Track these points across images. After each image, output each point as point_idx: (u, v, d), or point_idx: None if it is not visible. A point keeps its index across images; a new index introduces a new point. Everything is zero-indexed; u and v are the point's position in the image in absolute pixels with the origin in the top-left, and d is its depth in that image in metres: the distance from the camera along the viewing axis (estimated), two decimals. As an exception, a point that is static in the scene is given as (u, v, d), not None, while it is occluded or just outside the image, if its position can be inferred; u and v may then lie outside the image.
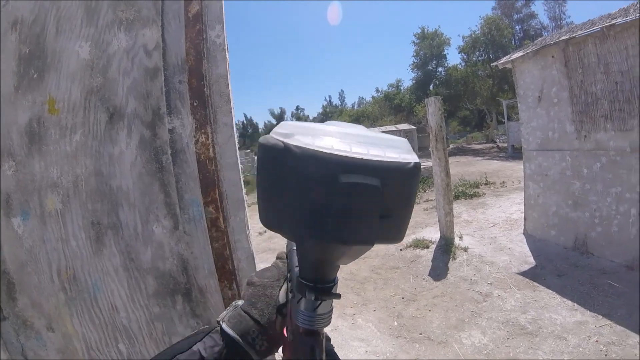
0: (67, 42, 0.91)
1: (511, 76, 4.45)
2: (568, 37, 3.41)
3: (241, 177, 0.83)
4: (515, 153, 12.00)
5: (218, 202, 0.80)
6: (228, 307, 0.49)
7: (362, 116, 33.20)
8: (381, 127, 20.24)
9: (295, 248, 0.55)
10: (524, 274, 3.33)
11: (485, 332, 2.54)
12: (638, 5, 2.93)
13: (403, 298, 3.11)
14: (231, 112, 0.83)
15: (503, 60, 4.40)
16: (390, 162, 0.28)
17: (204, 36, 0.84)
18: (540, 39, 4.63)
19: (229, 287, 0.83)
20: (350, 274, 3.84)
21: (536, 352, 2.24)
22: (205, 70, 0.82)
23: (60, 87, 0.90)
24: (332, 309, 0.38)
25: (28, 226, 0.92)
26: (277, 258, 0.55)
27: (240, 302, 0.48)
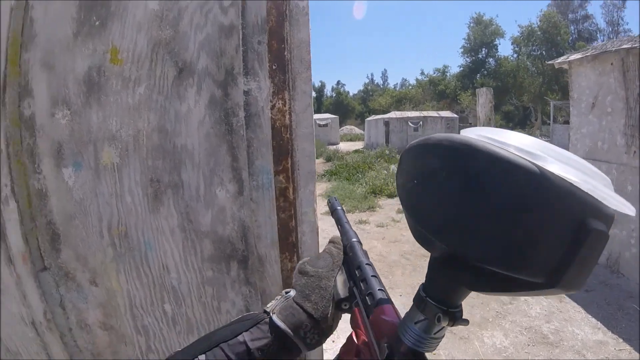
0: (134, -12, 0.85)
1: (563, 77, 4.37)
2: (630, 46, 3.27)
3: (314, 148, 0.81)
4: (557, 157, 11.96)
5: (289, 172, 0.79)
6: (278, 297, 0.46)
7: (404, 98, 32.25)
8: (422, 112, 19.31)
9: (355, 241, 0.50)
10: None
11: (507, 335, 2.60)
12: None
13: (430, 288, 3.13)
14: (311, 80, 0.80)
15: (560, 59, 4.24)
16: (615, 212, 0.26)
17: (287, -3, 0.80)
18: (600, 43, 4.49)
19: (289, 260, 0.82)
20: (380, 256, 3.85)
21: (555, 363, 2.28)
22: (287, 34, 0.79)
23: (124, 37, 0.86)
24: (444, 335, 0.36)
25: (80, 178, 0.89)
26: (330, 242, 0.52)
27: (292, 293, 0.45)
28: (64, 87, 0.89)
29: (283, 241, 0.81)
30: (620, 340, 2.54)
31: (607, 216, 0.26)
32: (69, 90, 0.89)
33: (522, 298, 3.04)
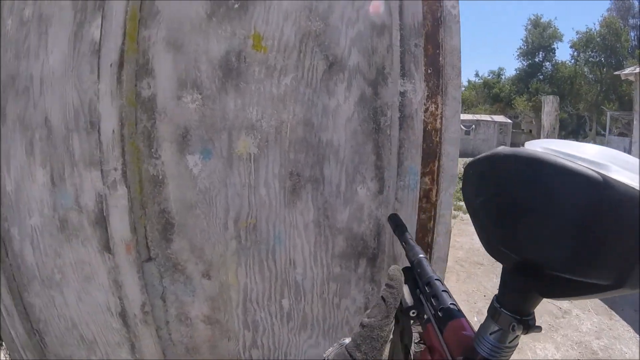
0: (281, -26, 0.83)
1: (621, 86, 4.40)
2: None
3: (458, 152, 0.84)
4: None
5: (435, 175, 0.81)
6: (334, 344, 0.49)
7: (456, 100, 31.23)
8: (475, 115, 18.91)
9: (422, 257, 0.50)
10: (604, 300, 3.48)
11: (558, 348, 2.67)
12: None
13: (485, 296, 3.15)
14: (460, 87, 0.82)
15: (627, 70, 4.18)
16: None
17: (441, 4, 0.82)
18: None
19: (423, 258, 0.85)
20: (435, 262, 3.83)
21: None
22: (442, 39, 0.81)
23: (269, 24, 0.83)
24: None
25: (208, 166, 0.85)
26: (386, 285, 0.50)
27: (346, 340, 0.47)
28: (194, 69, 0.85)
29: (419, 241, 0.84)
30: (666, 362, 2.65)
31: None
32: (201, 73, 0.85)
33: (574, 313, 3.21)
